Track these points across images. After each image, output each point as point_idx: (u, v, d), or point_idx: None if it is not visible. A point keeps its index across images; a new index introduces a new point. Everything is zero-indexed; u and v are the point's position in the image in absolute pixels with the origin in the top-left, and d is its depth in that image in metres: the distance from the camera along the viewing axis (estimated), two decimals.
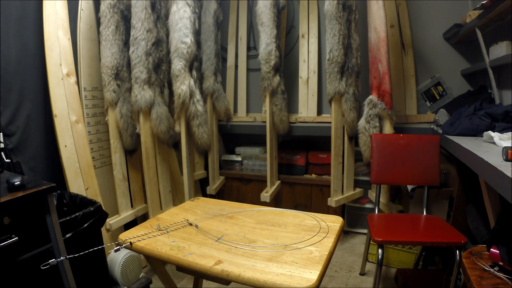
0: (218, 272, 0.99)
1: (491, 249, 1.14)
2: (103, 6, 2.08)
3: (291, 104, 2.91)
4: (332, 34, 2.24)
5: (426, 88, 2.65)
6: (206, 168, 2.96)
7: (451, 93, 2.58)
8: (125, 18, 2.17)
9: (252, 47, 3.14)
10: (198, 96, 2.22)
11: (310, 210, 2.39)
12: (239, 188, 3.08)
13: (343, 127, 2.44)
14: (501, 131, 1.57)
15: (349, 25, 2.27)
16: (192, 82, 2.17)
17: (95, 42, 2.24)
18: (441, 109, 2.24)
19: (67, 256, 1.22)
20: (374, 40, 2.19)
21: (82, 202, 1.71)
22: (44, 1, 1.90)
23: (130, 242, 1.19)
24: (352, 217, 2.77)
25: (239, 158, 3.08)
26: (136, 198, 2.36)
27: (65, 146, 1.93)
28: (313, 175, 2.87)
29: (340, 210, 2.68)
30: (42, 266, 1.13)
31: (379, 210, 2.07)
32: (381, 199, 2.26)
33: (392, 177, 2.03)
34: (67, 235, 1.43)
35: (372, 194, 2.49)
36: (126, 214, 2.25)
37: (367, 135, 2.25)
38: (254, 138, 3.16)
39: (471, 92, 2.35)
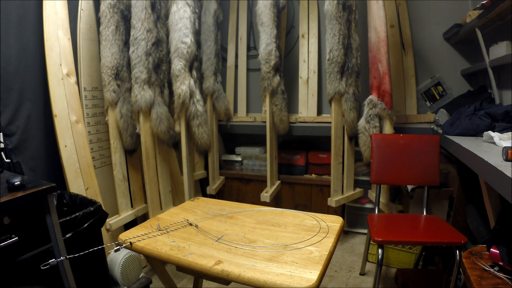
0: (218, 272, 0.99)
1: (491, 249, 1.14)
2: (103, 6, 2.08)
3: (291, 104, 2.91)
4: (332, 34, 2.24)
5: (426, 88, 2.65)
6: (206, 168, 2.96)
7: (451, 93, 2.58)
8: (125, 18, 2.17)
9: (252, 47, 3.14)
10: (198, 96, 2.22)
11: (310, 210, 2.39)
12: (239, 188, 3.08)
13: (343, 127, 2.44)
14: (501, 131, 1.57)
15: (349, 25, 2.27)
16: (192, 82, 2.17)
17: (95, 42, 2.24)
18: (441, 109, 2.23)
19: (67, 256, 1.22)
20: (374, 40, 2.19)
21: (82, 202, 1.71)
22: (44, 1, 1.90)
23: (130, 242, 1.19)
24: (352, 217, 2.77)
25: (239, 158, 3.08)
26: (136, 198, 2.36)
27: (65, 146, 1.93)
28: (313, 175, 2.87)
29: (340, 210, 2.68)
30: (42, 266, 1.13)
31: (379, 210, 2.07)
32: (381, 199, 2.26)
33: (392, 177, 2.03)
34: (67, 235, 1.43)
35: (372, 194, 2.49)
36: (126, 214, 2.25)
37: (367, 135, 2.25)
38: (254, 138, 3.16)
39: (471, 92, 2.35)
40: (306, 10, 2.86)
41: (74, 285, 1.30)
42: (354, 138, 2.44)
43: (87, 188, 2.01)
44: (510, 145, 1.19)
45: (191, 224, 1.33)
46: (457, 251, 1.54)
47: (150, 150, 2.24)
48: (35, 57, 1.94)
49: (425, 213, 1.94)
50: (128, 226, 2.14)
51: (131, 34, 2.11)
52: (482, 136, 1.60)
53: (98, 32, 2.15)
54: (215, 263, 1.02)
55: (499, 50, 1.81)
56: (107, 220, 2.06)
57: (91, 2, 2.21)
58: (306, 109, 2.85)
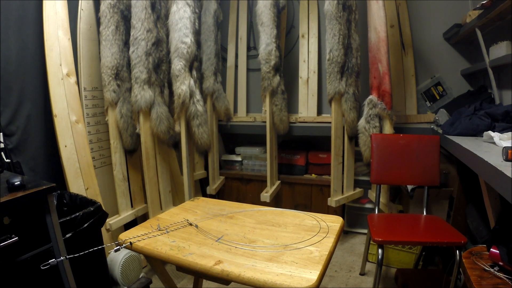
0: (218, 272, 0.99)
1: (491, 249, 1.14)
2: (103, 6, 2.08)
3: (291, 104, 2.91)
4: (332, 34, 2.24)
5: (426, 88, 2.65)
6: (206, 168, 2.96)
7: (451, 93, 2.58)
8: (125, 18, 2.17)
9: (252, 47, 3.14)
10: (198, 96, 2.22)
11: (310, 210, 2.39)
12: (239, 188, 3.08)
13: (343, 127, 2.44)
14: (501, 131, 1.57)
15: (349, 25, 2.27)
16: (192, 82, 2.17)
17: (95, 42, 2.24)
18: (441, 109, 2.24)
19: (67, 256, 1.22)
20: (374, 40, 2.19)
21: (82, 202, 1.71)
22: (44, 1, 1.90)
23: (130, 242, 1.19)
24: (352, 217, 2.77)
25: (239, 158, 3.08)
26: (136, 198, 2.36)
27: (65, 146, 1.93)
28: (313, 175, 2.87)
29: (340, 210, 2.68)
30: (42, 266, 1.13)
31: (379, 210, 2.07)
32: (381, 199, 2.26)
33: (392, 177, 2.03)
34: (67, 235, 1.43)
35: (372, 194, 2.49)
36: (126, 214, 2.25)
37: (367, 135, 2.25)
38: (254, 138, 3.16)
39: (471, 92, 2.35)
40: (306, 10, 2.86)
41: (74, 285, 1.30)
42: (354, 138, 2.44)
43: (87, 188, 2.01)
44: (510, 145, 1.19)
45: (191, 224, 1.33)
46: (457, 251, 1.54)
47: (150, 150, 2.24)
48: (35, 57, 1.94)
49: (425, 213, 1.94)
50: (128, 226, 2.14)
51: (131, 34, 2.11)
52: (482, 136, 1.60)
53: (98, 32, 2.15)
54: (215, 263, 1.02)
55: (499, 50, 1.81)
56: (107, 220, 2.06)
57: (91, 2, 2.21)
58: (306, 109, 2.85)
